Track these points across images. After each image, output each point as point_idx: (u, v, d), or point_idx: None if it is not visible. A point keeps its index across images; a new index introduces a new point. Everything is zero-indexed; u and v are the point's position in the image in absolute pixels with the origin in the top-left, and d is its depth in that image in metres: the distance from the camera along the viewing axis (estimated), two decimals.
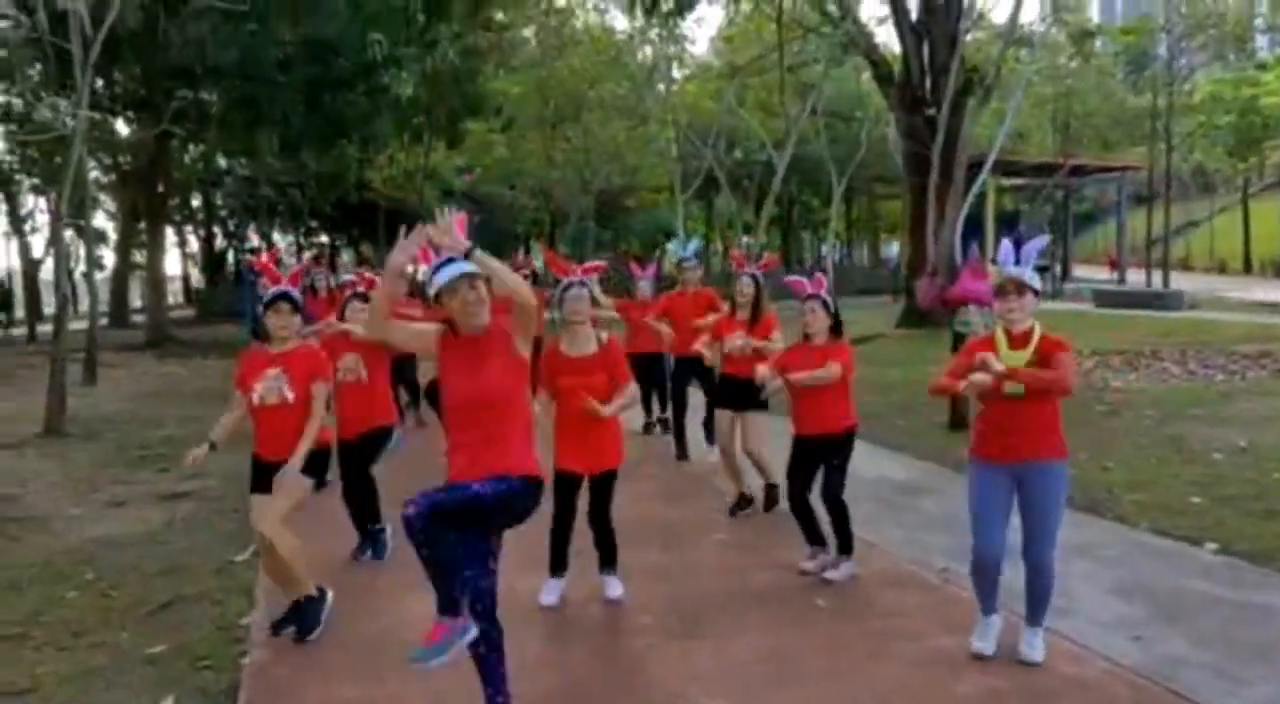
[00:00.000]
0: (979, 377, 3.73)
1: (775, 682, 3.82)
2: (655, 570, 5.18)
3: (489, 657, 3.27)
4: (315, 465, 4.44)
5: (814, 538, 5.20)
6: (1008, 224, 35.45)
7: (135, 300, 30.93)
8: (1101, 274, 40.84)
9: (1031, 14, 59.40)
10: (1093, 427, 8.91)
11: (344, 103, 17.18)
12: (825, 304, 5.09)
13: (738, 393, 6.22)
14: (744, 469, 6.43)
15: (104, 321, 25.86)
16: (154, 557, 5.70)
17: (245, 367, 4.46)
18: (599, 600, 4.75)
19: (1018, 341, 3.82)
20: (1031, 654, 3.90)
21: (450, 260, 3.20)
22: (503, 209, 37.04)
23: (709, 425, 7.84)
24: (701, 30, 74.39)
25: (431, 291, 3.29)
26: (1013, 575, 4.05)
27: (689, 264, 8.15)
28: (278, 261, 8.83)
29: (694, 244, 8.66)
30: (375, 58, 15.28)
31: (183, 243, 42.35)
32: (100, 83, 18.82)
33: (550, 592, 4.72)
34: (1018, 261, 3.86)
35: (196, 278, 42.12)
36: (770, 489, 6.40)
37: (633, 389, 4.62)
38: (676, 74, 31.91)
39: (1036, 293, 3.87)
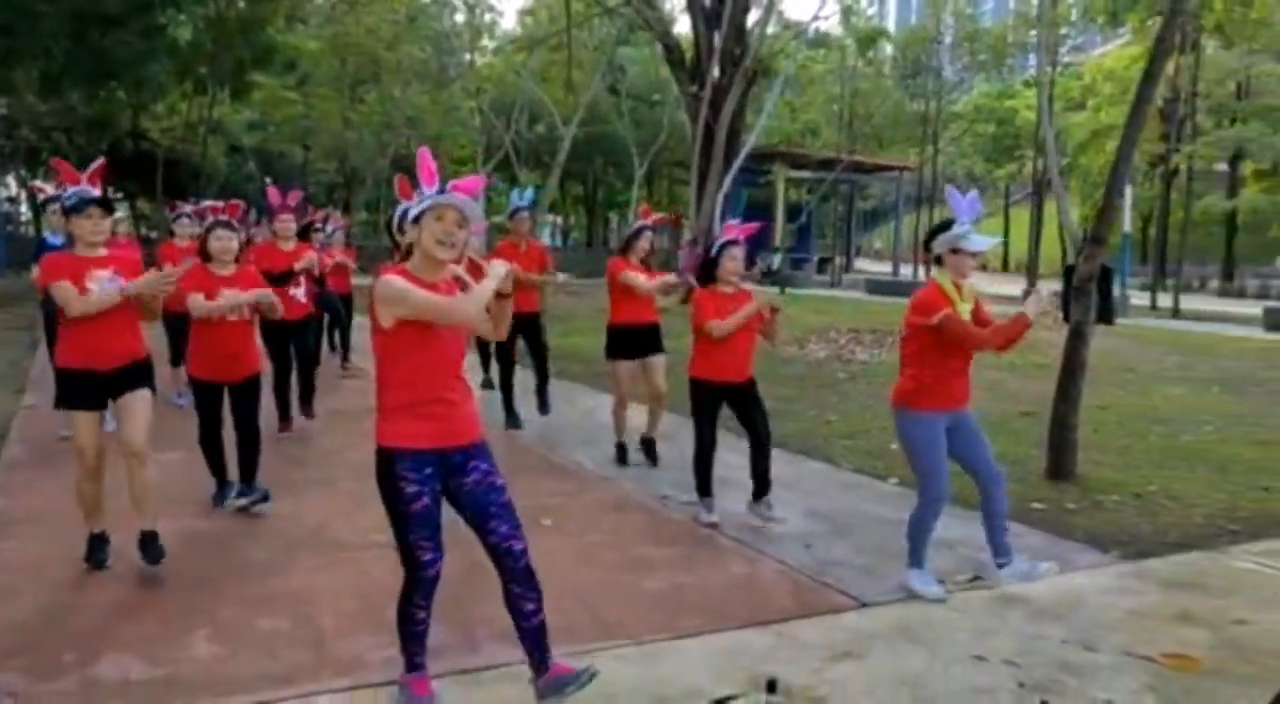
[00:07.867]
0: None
1: (480, 592, 4.16)
2: None
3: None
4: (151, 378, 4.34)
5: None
6: (794, 213, 37.64)
7: None
8: (882, 266, 43.97)
9: (828, 12, 62.68)
10: (828, 389, 9.88)
11: (115, 41, 16.07)
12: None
13: (641, 340, 6.37)
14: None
15: None
16: None
17: (63, 270, 4.07)
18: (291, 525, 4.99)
19: (960, 292, 4.17)
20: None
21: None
22: (294, 169, 35.70)
23: (542, 392, 7.63)
24: (510, 3, 74.08)
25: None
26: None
27: (522, 215, 7.45)
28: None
29: (530, 193, 8.40)
30: None
31: None
32: None
33: None
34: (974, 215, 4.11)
35: None
36: (649, 443, 6.58)
37: None
38: (488, 44, 31.69)
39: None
